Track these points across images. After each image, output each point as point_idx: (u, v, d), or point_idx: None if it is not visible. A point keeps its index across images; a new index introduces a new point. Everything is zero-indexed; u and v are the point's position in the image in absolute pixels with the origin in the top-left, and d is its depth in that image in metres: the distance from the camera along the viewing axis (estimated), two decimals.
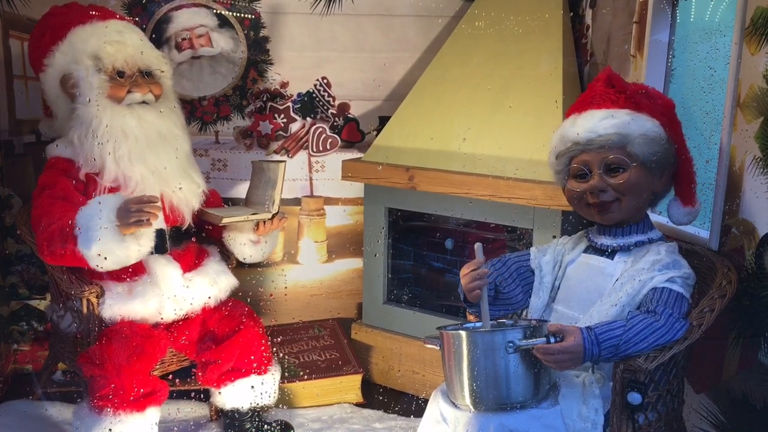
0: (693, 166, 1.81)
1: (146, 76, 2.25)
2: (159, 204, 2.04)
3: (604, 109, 1.75)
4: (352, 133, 3.07)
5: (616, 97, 1.76)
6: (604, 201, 1.74)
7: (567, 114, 1.86)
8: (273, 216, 2.33)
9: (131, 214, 1.98)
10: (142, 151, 2.17)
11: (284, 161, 2.34)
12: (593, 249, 1.85)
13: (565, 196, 1.89)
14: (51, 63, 2.24)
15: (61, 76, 2.23)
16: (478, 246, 1.76)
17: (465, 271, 1.75)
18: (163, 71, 2.30)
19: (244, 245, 2.41)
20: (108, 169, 2.16)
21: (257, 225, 2.35)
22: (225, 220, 2.27)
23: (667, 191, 1.85)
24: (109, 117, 2.16)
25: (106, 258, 2.00)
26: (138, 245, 2.05)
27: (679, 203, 1.83)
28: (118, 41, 2.20)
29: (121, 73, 2.20)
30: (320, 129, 3.05)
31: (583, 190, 1.77)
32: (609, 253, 1.80)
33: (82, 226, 1.99)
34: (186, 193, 2.27)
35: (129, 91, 2.20)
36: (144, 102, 2.22)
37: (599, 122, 1.73)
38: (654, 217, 1.88)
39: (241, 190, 2.90)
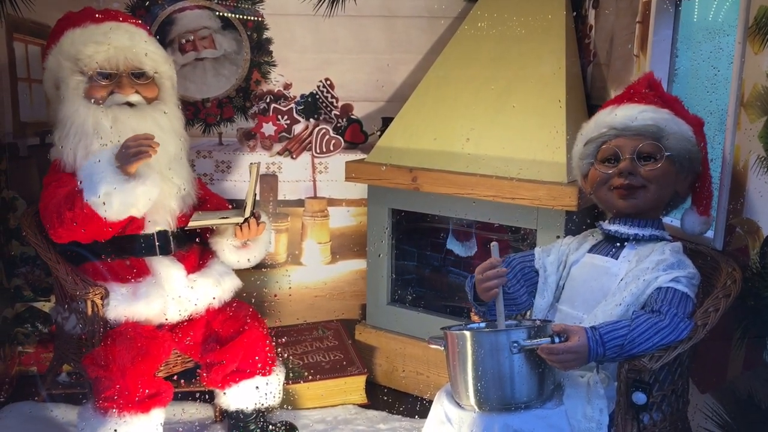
0: (711, 180, 1.85)
1: (136, 77, 2.24)
2: (156, 140, 2.01)
3: (644, 104, 1.80)
4: (356, 134, 3.07)
5: (655, 98, 1.82)
6: (632, 184, 1.76)
7: (601, 108, 1.90)
8: (245, 220, 2.26)
9: (130, 150, 1.96)
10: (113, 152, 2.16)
11: (257, 162, 2.25)
12: (598, 248, 1.85)
13: (585, 182, 1.90)
14: (46, 66, 2.27)
15: (54, 79, 2.25)
16: (494, 245, 1.76)
17: (483, 268, 1.75)
18: (157, 72, 2.29)
19: (225, 251, 2.36)
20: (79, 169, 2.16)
21: (235, 230, 2.31)
22: (191, 224, 2.25)
23: (684, 198, 1.87)
24: (83, 117, 2.16)
25: (114, 202, 1.97)
26: (144, 185, 2.01)
27: (695, 212, 1.86)
28: (98, 42, 2.19)
29: (104, 75, 2.20)
30: (323, 130, 3.05)
31: (611, 172, 1.79)
32: (614, 252, 1.81)
33: (85, 179, 1.98)
34: (163, 196, 2.22)
35: (112, 92, 2.20)
36: (129, 103, 2.21)
37: (639, 113, 1.78)
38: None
39: (244, 192, 2.90)
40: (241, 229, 2.27)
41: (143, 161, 1.99)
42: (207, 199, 2.47)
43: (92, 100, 2.18)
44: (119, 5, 2.77)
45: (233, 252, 2.36)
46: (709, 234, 1.97)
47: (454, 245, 2.87)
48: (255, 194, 2.24)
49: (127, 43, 2.22)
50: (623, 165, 1.77)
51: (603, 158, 1.82)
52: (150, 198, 2.06)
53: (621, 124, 1.78)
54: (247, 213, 2.25)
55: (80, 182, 1.99)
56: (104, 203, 1.96)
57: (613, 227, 1.82)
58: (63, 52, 2.21)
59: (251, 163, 2.24)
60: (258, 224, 2.28)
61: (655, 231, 1.80)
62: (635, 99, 1.82)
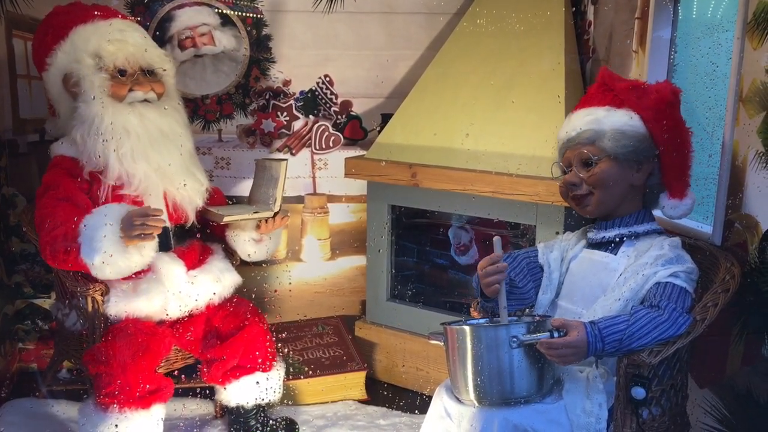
0: (687, 158, 1.81)
1: (148, 74, 2.26)
2: (163, 217, 2.03)
3: (587, 107, 1.83)
4: (355, 130, 3.08)
5: (603, 95, 1.83)
6: (578, 194, 1.81)
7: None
8: (275, 214, 2.34)
9: (135, 227, 1.97)
10: (145, 149, 2.18)
11: (286, 159, 2.34)
12: (593, 244, 1.86)
13: None
14: (53, 62, 2.25)
15: (63, 75, 2.24)
16: (496, 240, 1.76)
17: (483, 264, 1.75)
18: (165, 69, 2.31)
19: (247, 243, 2.41)
20: (111, 167, 2.16)
21: (259, 223, 2.36)
22: (227, 219, 2.28)
23: (657, 185, 1.84)
24: (111, 115, 2.16)
25: (107, 268, 1.99)
26: (140, 255, 2.04)
27: (665, 195, 1.85)
28: (120, 40, 2.21)
29: (122, 72, 2.21)
30: (323, 127, 3.05)
31: (563, 187, 1.85)
32: (612, 248, 1.81)
33: (85, 236, 1.99)
34: (189, 191, 2.29)
35: (131, 90, 2.21)
36: (146, 100, 2.23)
37: (580, 120, 1.82)
38: (658, 212, 1.89)
39: (244, 188, 2.91)
40: (266, 222, 2.34)
41: (145, 241, 2.02)
42: (211, 194, 2.48)
43: (115, 98, 2.18)
44: (119, 2, 2.77)
45: (253, 245, 2.41)
46: (708, 229, 1.97)
47: (456, 257, 2.88)
48: (283, 189, 2.33)
49: (141, 41, 2.26)
50: (566, 178, 1.83)
51: (562, 170, 1.87)
52: (143, 264, 2.08)
53: (565, 137, 1.84)
54: (277, 207, 2.33)
55: (81, 237, 1.98)
56: (100, 265, 1.98)
57: (591, 234, 1.87)
58: (79, 49, 2.20)
59: (277, 159, 2.34)
60: (282, 218, 2.37)
61: (622, 230, 1.80)
62: (588, 102, 1.85)
